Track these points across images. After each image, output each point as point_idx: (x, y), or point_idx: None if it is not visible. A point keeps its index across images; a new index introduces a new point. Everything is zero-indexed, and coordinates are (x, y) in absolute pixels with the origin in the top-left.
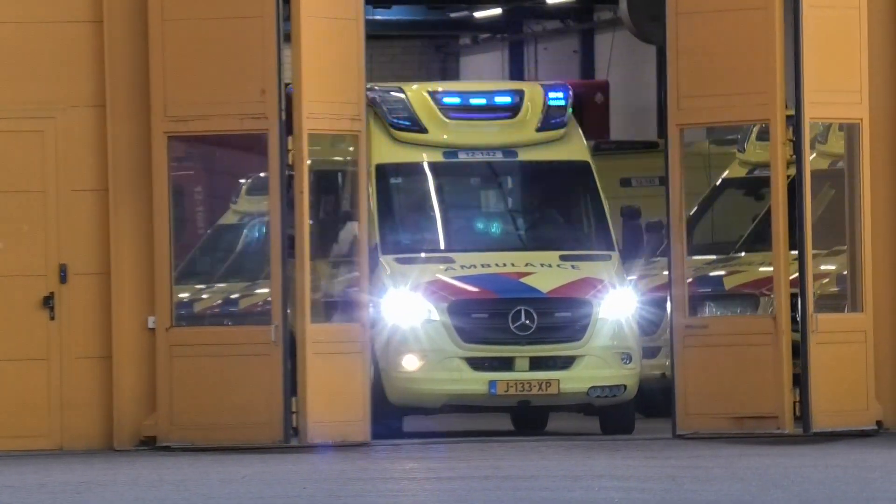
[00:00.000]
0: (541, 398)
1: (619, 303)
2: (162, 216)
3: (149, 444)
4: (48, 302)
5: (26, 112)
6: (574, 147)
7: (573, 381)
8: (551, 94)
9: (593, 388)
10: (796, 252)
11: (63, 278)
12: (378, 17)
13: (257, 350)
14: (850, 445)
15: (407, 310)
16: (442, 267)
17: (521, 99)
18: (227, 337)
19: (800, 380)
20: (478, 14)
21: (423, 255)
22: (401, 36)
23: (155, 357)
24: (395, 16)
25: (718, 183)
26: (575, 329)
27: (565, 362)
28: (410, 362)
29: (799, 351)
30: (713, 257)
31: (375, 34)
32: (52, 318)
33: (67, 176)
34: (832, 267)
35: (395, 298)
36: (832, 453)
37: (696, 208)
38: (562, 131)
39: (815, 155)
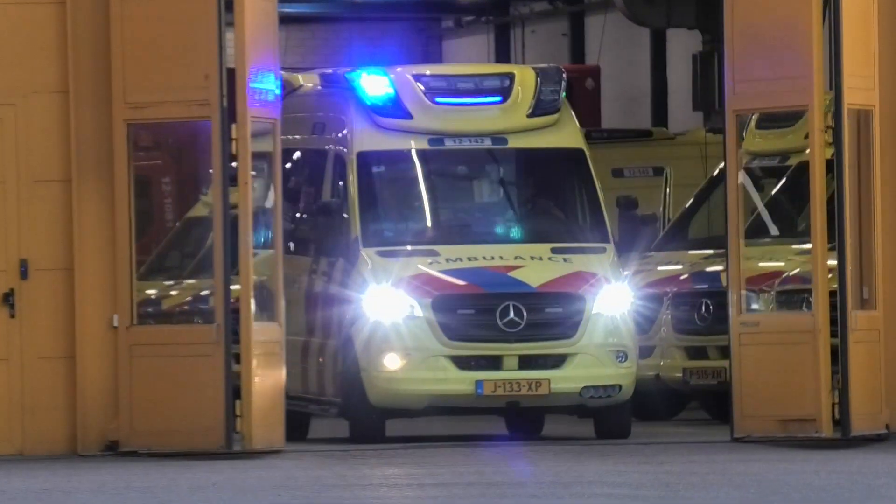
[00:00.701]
0: (531, 399)
1: (613, 298)
2: (122, 208)
3: (114, 449)
4: (8, 299)
5: None
6: (568, 133)
7: (565, 380)
8: (544, 78)
9: (586, 388)
10: (798, 246)
11: (24, 274)
12: None
13: (201, 350)
14: (860, 451)
15: (388, 305)
16: (426, 260)
17: (512, 82)
18: (180, 336)
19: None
20: None
21: (406, 247)
22: (381, 18)
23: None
24: None
25: (716, 174)
26: (567, 326)
27: (556, 361)
28: (392, 361)
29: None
30: (710, 252)
31: (354, 17)
32: (13, 316)
33: (29, 166)
34: (835, 262)
35: (376, 293)
36: (834, 459)
37: (692, 200)
38: (555, 116)
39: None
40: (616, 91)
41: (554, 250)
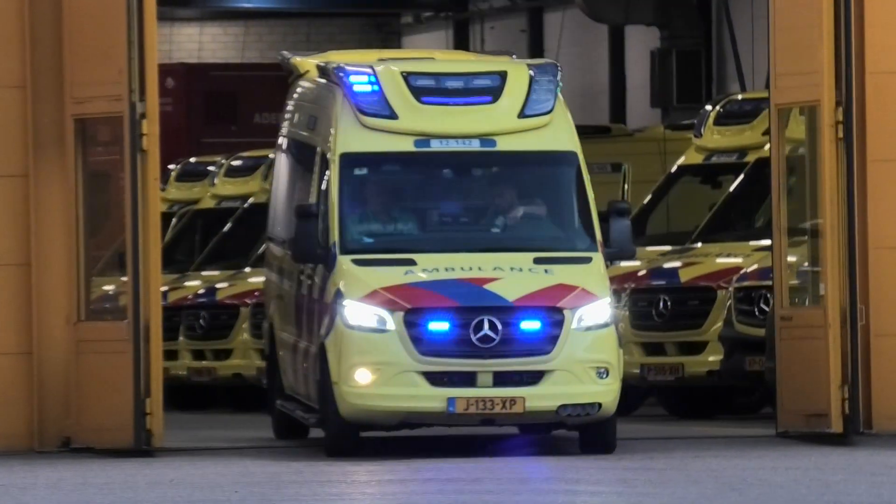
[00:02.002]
0: (505, 417)
1: (596, 311)
2: (71, 204)
3: (68, 446)
4: None
5: None
6: (560, 136)
7: (541, 398)
8: (538, 76)
9: (563, 406)
10: (756, 242)
11: None
12: None
13: (118, 348)
14: (813, 447)
15: (360, 318)
16: (402, 270)
17: (504, 82)
18: (109, 333)
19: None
20: None
21: (383, 256)
22: (340, 14)
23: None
24: None
25: (674, 170)
26: (543, 341)
27: (533, 378)
28: (363, 376)
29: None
30: (668, 248)
31: (312, 12)
32: None
33: None
34: (792, 258)
35: (348, 305)
36: (791, 455)
37: (650, 197)
38: (547, 118)
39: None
40: (574, 87)
41: (536, 260)
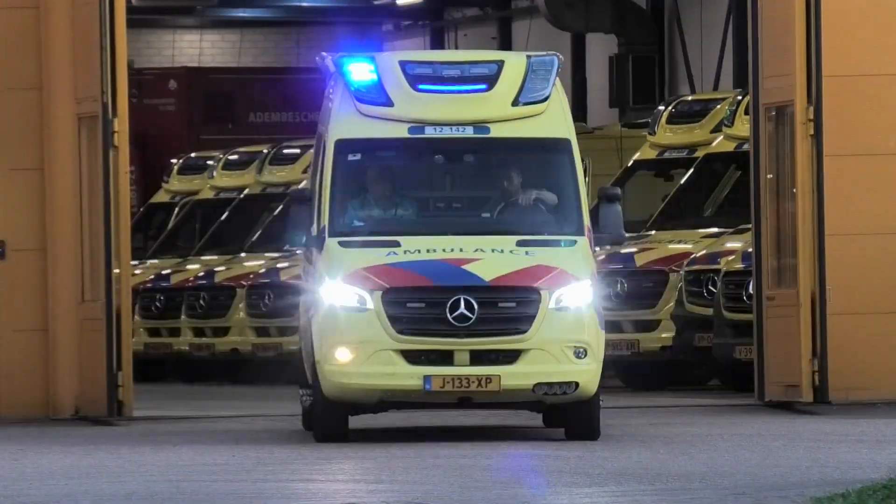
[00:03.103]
0: (481, 395)
1: (575, 293)
2: (77, 194)
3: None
4: None
5: None
6: (554, 123)
7: (516, 376)
8: (535, 66)
9: (539, 384)
10: (705, 230)
11: (1, 255)
12: (304, 4)
13: (98, 326)
14: (762, 415)
15: (341, 298)
16: (384, 252)
17: (500, 70)
18: (100, 312)
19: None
20: (400, 1)
21: (369, 238)
22: (327, 22)
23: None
24: (319, 2)
25: (630, 164)
26: (520, 321)
27: (509, 357)
28: (342, 354)
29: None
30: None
31: (302, 21)
32: None
33: (6, 155)
34: (737, 244)
35: (329, 285)
36: (740, 423)
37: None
38: (542, 105)
39: (721, 138)
40: None
41: (519, 243)
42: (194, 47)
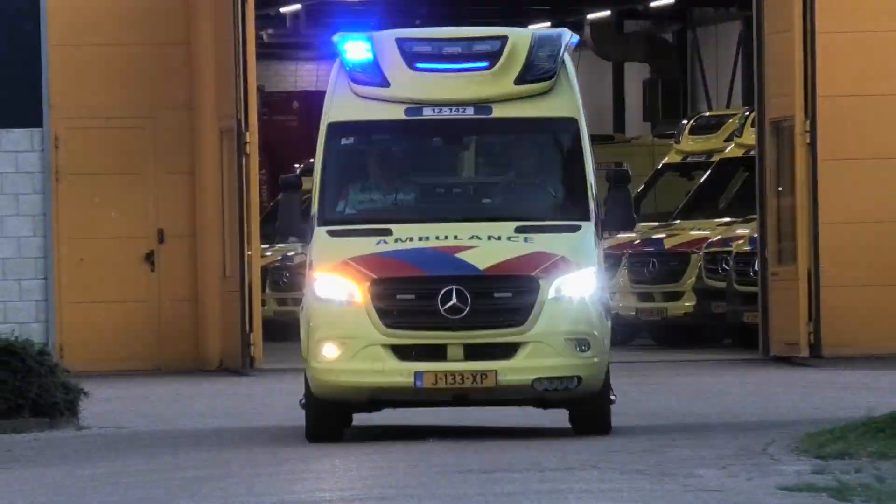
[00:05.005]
0: (477, 392)
1: (576, 281)
2: (215, 192)
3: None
4: (149, 258)
5: (134, 112)
6: (560, 102)
7: (514, 371)
8: (541, 42)
9: (538, 379)
10: (719, 220)
11: (161, 239)
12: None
13: (237, 297)
14: (766, 368)
15: (327, 290)
16: (374, 240)
17: (503, 46)
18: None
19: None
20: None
21: (359, 226)
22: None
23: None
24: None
25: (659, 167)
26: (517, 312)
27: (506, 351)
28: (329, 351)
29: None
30: (655, 224)
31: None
32: (153, 271)
33: (164, 163)
34: (745, 231)
35: (315, 277)
36: (745, 373)
37: (642, 186)
38: (548, 83)
39: (733, 145)
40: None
41: (518, 229)
42: (312, 75)
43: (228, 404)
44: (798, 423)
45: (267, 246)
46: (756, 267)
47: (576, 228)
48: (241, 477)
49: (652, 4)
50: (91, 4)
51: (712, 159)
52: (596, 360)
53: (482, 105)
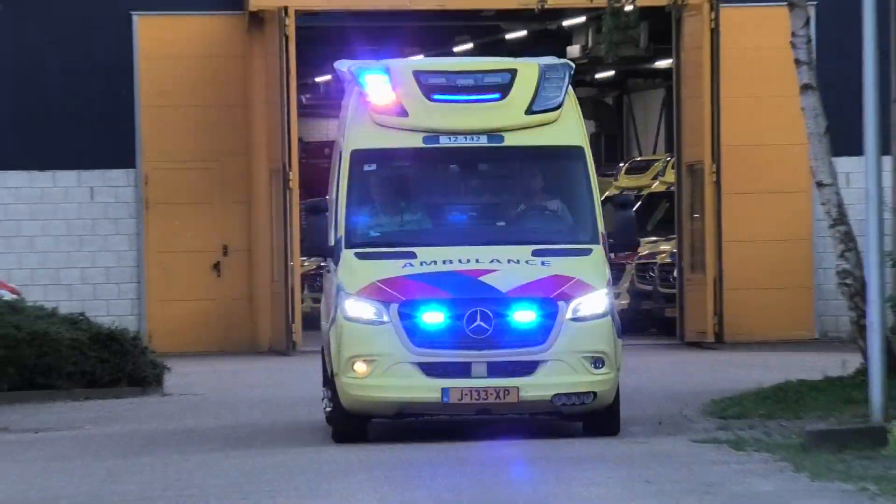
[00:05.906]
0: (500, 407)
1: (592, 302)
2: (269, 217)
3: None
4: (216, 267)
5: (205, 157)
6: (568, 131)
7: (535, 388)
8: (548, 74)
9: (557, 395)
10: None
11: (225, 253)
12: None
13: (280, 289)
14: (689, 352)
15: (357, 310)
16: (400, 263)
17: (513, 79)
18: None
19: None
20: None
21: (385, 249)
22: None
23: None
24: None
25: (602, 199)
26: (537, 332)
27: (527, 368)
28: (360, 367)
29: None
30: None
31: None
32: (219, 276)
33: (229, 193)
34: (667, 247)
35: (346, 298)
36: (666, 354)
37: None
38: (556, 113)
39: (657, 183)
40: None
41: (535, 252)
42: None
43: (275, 378)
44: (706, 393)
45: (304, 258)
46: (675, 274)
47: (587, 251)
48: (284, 434)
49: (597, 76)
50: (173, 72)
51: (642, 193)
52: (610, 375)
53: (495, 134)
